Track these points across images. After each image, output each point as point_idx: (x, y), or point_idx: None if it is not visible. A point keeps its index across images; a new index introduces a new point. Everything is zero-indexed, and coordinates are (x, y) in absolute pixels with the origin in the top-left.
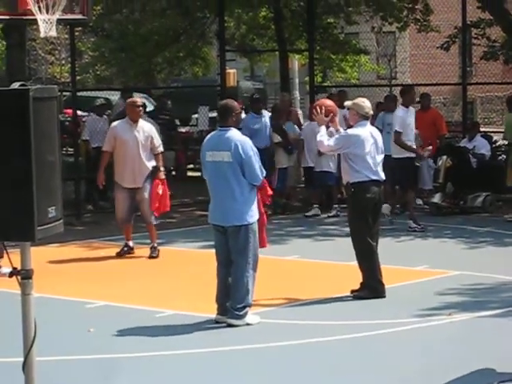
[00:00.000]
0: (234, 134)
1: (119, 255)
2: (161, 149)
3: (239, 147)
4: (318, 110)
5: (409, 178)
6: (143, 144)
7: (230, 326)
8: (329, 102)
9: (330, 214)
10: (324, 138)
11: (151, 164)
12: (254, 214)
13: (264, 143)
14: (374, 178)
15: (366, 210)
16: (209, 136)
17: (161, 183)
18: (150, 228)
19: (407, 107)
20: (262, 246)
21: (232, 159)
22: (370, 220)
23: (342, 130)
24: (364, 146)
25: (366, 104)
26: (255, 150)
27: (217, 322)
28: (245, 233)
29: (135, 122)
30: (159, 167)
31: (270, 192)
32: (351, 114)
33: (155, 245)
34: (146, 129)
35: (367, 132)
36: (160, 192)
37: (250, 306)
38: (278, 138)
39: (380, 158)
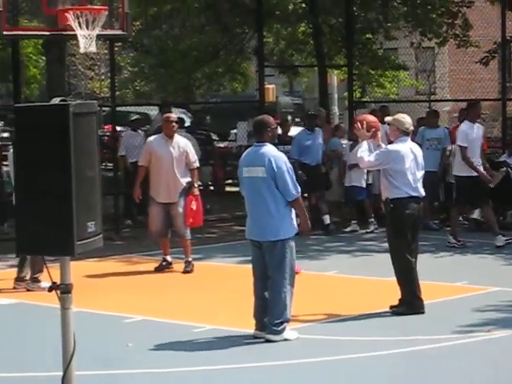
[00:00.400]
0: (268, 149)
1: (158, 270)
2: (196, 164)
3: (273, 162)
4: (360, 125)
5: (462, 196)
6: (178, 159)
7: (268, 341)
8: (371, 118)
9: (368, 230)
10: (365, 153)
11: (186, 179)
12: (290, 230)
13: (315, 160)
14: (414, 194)
15: (405, 226)
16: (246, 152)
17: (194, 199)
18: (185, 243)
19: (472, 122)
20: None
21: (266, 174)
22: (409, 236)
23: (383, 145)
24: (404, 161)
25: (406, 120)
26: (289, 165)
27: (255, 338)
28: (281, 248)
29: (170, 137)
30: (194, 183)
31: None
32: (391, 130)
33: (189, 259)
34: (182, 144)
35: (407, 148)
36: (194, 208)
37: (287, 321)
38: None
39: (420, 174)
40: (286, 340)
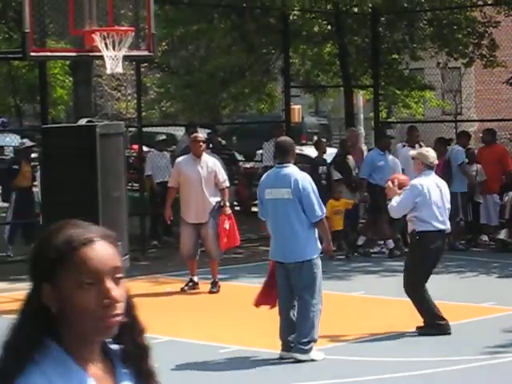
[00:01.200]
0: (292, 170)
1: (184, 290)
2: (226, 184)
3: (299, 183)
4: (391, 184)
5: None
6: (206, 179)
7: (295, 361)
8: (402, 177)
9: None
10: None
11: (215, 199)
12: (315, 250)
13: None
14: (441, 227)
15: (428, 260)
16: (266, 173)
17: (227, 218)
18: (213, 263)
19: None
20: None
21: (292, 196)
22: (429, 269)
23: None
24: (429, 194)
25: (430, 154)
26: (314, 186)
27: (281, 358)
28: (308, 268)
29: (198, 156)
30: (225, 202)
31: None
32: (416, 164)
33: (216, 280)
34: (210, 164)
35: (431, 181)
36: (227, 227)
37: (315, 341)
38: (337, 175)
39: (447, 206)
40: (312, 360)
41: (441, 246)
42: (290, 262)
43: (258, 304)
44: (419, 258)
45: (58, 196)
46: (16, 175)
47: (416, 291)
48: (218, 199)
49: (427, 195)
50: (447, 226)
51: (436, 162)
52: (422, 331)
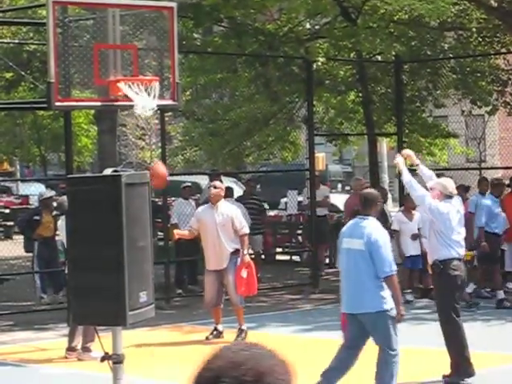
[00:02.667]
0: (370, 223)
1: (208, 339)
2: (244, 231)
3: (372, 236)
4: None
5: None
6: (222, 226)
7: None
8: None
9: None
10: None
11: (234, 246)
12: (387, 301)
13: (502, 228)
14: (461, 254)
15: (456, 286)
16: (349, 223)
17: (245, 266)
18: (238, 311)
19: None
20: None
21: (364, 248)
22: (458, 297)
23: (420, 164)
24: (449, 220)
25: (449, 184)
26: (387, 242)
27: None
28: (381, 320)
29: (215, 204)
30: (243, 250)
31: None
32: (434, 193)
33: (243, 327)
34: (226, 211)
35: (451, 207)
36: (244, 275)
37: None
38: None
39: (463, 232)
40: None
41: (464, 271)
42: (359, 312)
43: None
44: (448, 287)
45: (83, 245)
46: (37, 226)
47: (450, 323)
48: (237, 246)
49: (447, 221)
50: (464, 252)
51: (455, 191)
52: (448, 380)
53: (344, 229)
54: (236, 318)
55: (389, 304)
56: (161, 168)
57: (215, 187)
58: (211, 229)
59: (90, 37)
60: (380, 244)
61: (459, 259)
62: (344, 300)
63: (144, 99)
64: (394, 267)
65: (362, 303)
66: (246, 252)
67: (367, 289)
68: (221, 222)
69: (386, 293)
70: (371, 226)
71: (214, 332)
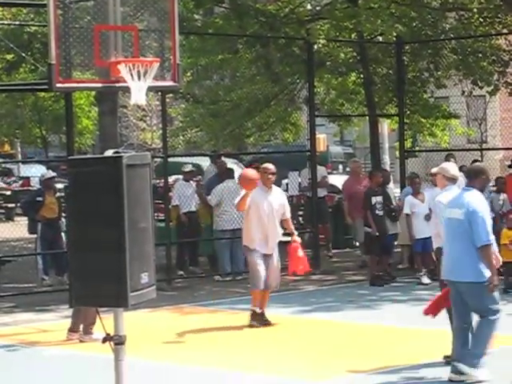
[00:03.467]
0: (472, 194)
1: (252, 326)
2: (289, 214)
3: (471, 207)
4: None
5: None
6: (277, 211)
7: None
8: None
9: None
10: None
11: (280, 230)
12: (485, 271)
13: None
14: None
15: None
16: (453, 194)
17: (300, 246)
18: (266, 295)
19: None
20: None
21: (463, 217)
22: None
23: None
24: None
25: (450, 167)
26: (487, 213)
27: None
28: (482, 288)
29: (269, 188)
30: (292, 231)
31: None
32: (438, 179)
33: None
34: (281, 196)
35: (454, 193)
36: (301, 255)
37: (483, 356)
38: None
39: None
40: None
41: None
42: (461, 281)
43: (426, 312)
44: None
45: (84, 227)
46: (40, 207)
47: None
48: (281, 230)
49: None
50: None
51: (458, 174)
52: (450, 360)
53: (450, 199)
54: (258, 301)
55: (487, 273)
56: (251, 173)
57: (272, 173)
58: (268, 213)
59: (90, 18)
60: (479, 214)
61: None
62: (444, 268)
63: (138, 91)
64: (492, 237)
65: (461, 272)
66: (296, 233)
67: (467, 258)
68: (276, 207)
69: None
70: (473, 196)
71: (262, 317)
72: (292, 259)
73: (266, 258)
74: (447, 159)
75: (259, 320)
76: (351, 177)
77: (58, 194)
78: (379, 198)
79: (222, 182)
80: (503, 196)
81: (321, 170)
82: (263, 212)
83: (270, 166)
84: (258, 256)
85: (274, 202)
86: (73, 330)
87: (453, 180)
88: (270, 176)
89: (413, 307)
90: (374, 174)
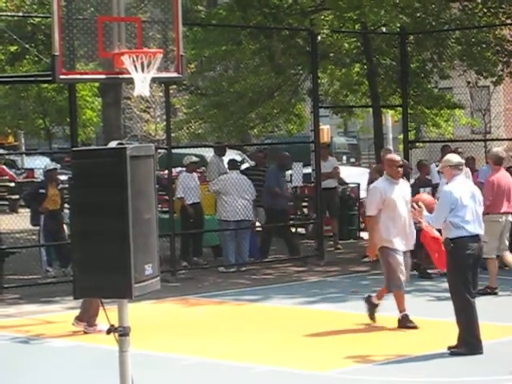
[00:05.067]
0: None
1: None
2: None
3: None
4: (416, 206)
5: None
6: (407, 202)
7: None
8: (426, 197)
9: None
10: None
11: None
12: None
13: None
14: (474, 232)
15: (466, 266)
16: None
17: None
18: (400, 296)
19: None
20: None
21: None
22: (469, 276)
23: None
24: (460, 199)
25: (453, 156)
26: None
27: None
28: None
29: (397, 180)
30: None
31: None
32: (445, 171)
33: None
34: (408, 187)
35: (462, 185)
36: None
37: None
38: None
39: (480, 210)
40: None
41: (476, 250)
42: None
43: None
44: (458, 265)
45: (88, 219)
46: (43, 199)
47: (462, 302)
48: None
49: (458, 200)
50: (480, 231)
51: (462, 161)
52: (453, 351)
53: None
54: (402, 303)
55: None
56: (425, 196)
57: (400, 166)
58: (403, 207)
59: (94, 9)
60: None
61: (472, 237)
62: None
63: (141, 83)
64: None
65: None
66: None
67: None
68: (408, 200)
69: None
70: None
71: (407, 320)
72: (438, 255)
73: (405, 255)
74: (444, 150)
75: (408, 322)
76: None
77: (60, 186)
78: (428, 189)
79: (281, 172)
80: None
81: (332, 161)
82: (399, 206)
83: (397, 158)
84: (400, 255)
85: (408, 196)
86: (80, 319)
87: (459, 168)
88: (399, 169)
89: (416, 298)
90: (422, 165)
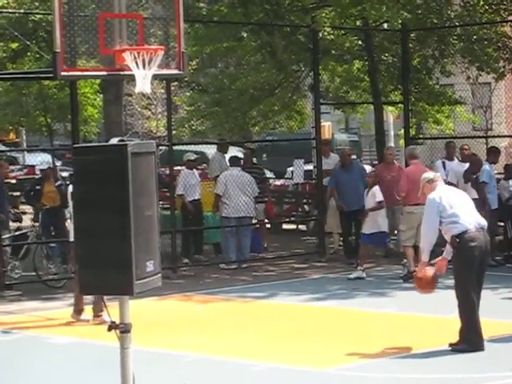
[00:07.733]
0: None
1: None
2: None
3: None
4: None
5: None
6: None
7: None
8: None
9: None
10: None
11: None
12: None
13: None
14: (475, 225)
15: (473, 260)
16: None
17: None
18: None
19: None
20: None
21: None
22: (476, 272)
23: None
24: (447, 199)
25: (426, 173)
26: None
27: None
28: None
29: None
30: None
31: None
32: (426, 188)
33: None
34: None
35: (443, 190)
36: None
37: None
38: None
39: (470, 204)
40: None
41: (483, 243)
42: None
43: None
44: (462, 259)
45: (89, 215)
46: (40, 196)
47: (466, 299)
48: None
49: (446, 199)
50: (480, 224)
51: (438, 174)
52: (455, 348)
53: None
54: None
55: None
56: (429, 272)
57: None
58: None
59: (95, 6)
60: None
61: (476, 229)
62: None
63: (143, 80)
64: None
65: None
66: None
67: None
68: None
69: None
70: None
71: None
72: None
73: None
74: (448, 146)
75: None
76: (383, 164)
77: (59, 182)
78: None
79: (345, 171)
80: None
81: (334, 158)
82: None
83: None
84: None
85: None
86: (77, 311)
87: (435, 180)
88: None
89: (420, 295)
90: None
